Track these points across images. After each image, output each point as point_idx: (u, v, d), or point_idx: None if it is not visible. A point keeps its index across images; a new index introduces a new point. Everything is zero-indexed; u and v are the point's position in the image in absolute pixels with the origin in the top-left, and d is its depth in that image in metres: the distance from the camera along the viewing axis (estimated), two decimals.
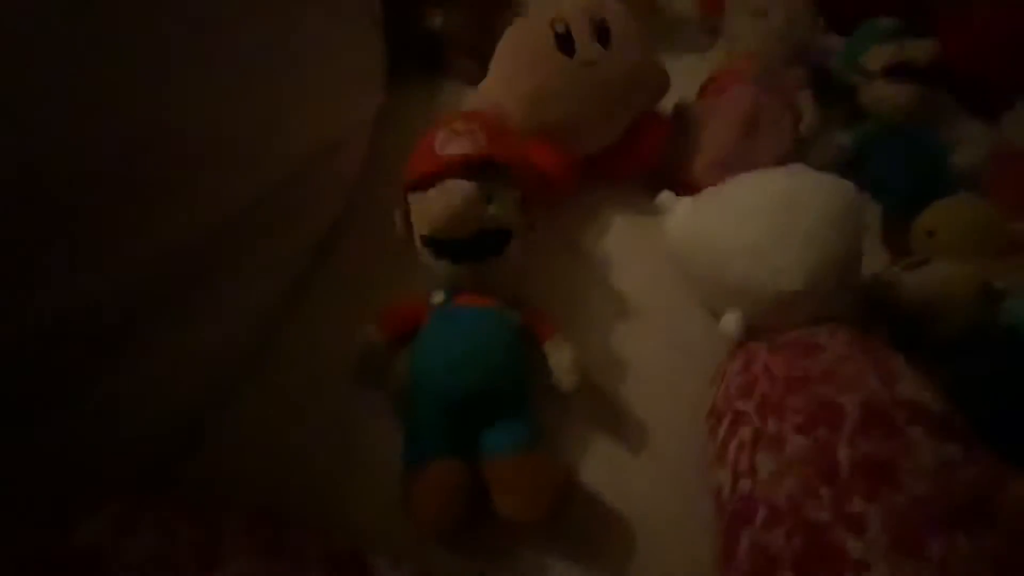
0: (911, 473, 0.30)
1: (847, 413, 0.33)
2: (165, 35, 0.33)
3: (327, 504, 0.38)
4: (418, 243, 0.41)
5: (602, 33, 0.48)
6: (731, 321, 0.44)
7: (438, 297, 0.41)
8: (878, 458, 0.31)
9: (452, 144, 0.40)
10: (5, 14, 0.26)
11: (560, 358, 0.40)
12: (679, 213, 0.50)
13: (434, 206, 0.37)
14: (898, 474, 0.30)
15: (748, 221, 0.43)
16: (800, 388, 0.36)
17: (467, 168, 0.39)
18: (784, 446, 0.34)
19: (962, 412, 0.35)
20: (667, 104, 0.58)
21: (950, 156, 0.58)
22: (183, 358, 0.38)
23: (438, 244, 0.40)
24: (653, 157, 0.54)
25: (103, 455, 0.34)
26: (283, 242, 0.45)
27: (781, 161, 0.51)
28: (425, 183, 0.40)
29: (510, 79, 0.49)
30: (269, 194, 0.42)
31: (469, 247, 0.39)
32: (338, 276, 0.49)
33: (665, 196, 0.51)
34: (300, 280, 0.47)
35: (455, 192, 0.37)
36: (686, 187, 0.52)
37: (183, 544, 0.22)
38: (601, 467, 0.42)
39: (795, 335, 0.41)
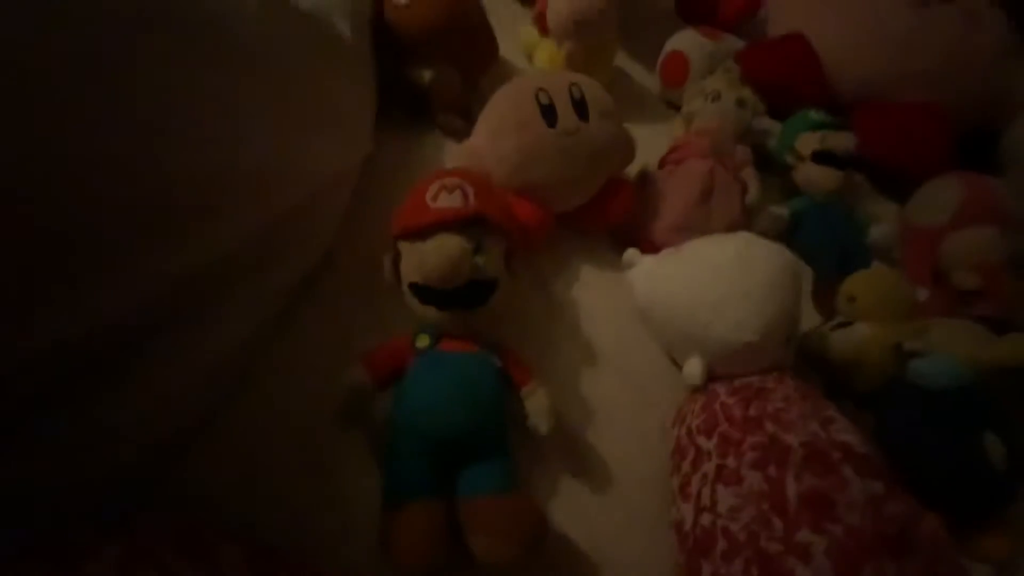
0: (846, 506, 0.34)
1: (793, 451, 0.38)
2: (166, 84, 0.34)
3: (304, 541, 0.38)
4: (406, 289, 0.43)
5: (581, 107, 0.54)
6: (694, 368, 0.48)
7: (423, 341, 0.42)
8: (820, 492, 0.35)
9: (444, 198, 0.43)
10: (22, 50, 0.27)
11: (537, 403, 0.42)
12: (643, 269, 0.55)
13: (428, 258, 0.40)
14: (836, 507, 0.34)
15: (709, 280, 0.48)
16: (755, 427, 0.40)
17: (458, 222, 0.42)
18: (742, 481, 0.38)
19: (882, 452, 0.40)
20: (632, 169, 0.64)
21: (866, 230, 0.67)
22: (166, 388, 0.37)
23: (426, 292, 0.42)
24: (620, 216, 0.59)
25: (78, 482, 0.33)
26: (270, 279, 0.45)
27: (731, 227, 0.58)
28: (418, 233, 0.42)
29: (496, 141, 0.53)
30: (262, 232, 0.43)
31: (456, 296, 0.41)
32: (321, 313, 0.49)
33: (630, 253, 0.57)
34: (284, 315, 0.48)
35: (450, 246, 0.39)
36: (647, 245, 0.58)
37: None
38: (570, 507, 0.44)
39: (748, 380, 0.46)
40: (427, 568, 0.35)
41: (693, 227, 0.57)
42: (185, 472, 0.39)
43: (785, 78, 0.78)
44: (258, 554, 0.28)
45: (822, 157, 0.67)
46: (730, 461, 0.40)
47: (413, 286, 0.42)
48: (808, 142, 0.68)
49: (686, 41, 0.76)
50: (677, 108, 0.75)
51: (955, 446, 0.46)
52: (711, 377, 0.49)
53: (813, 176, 0.67)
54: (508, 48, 0.77)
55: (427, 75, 0.63)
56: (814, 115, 0.70)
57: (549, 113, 0.53)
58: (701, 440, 0.43)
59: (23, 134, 0.27)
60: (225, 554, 0.26)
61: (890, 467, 0.39)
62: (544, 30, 0.71)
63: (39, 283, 0.29)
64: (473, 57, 0.67)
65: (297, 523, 0.39)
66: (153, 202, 0.34)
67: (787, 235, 0.66)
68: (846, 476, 0.36)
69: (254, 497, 0.39)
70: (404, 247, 0.43)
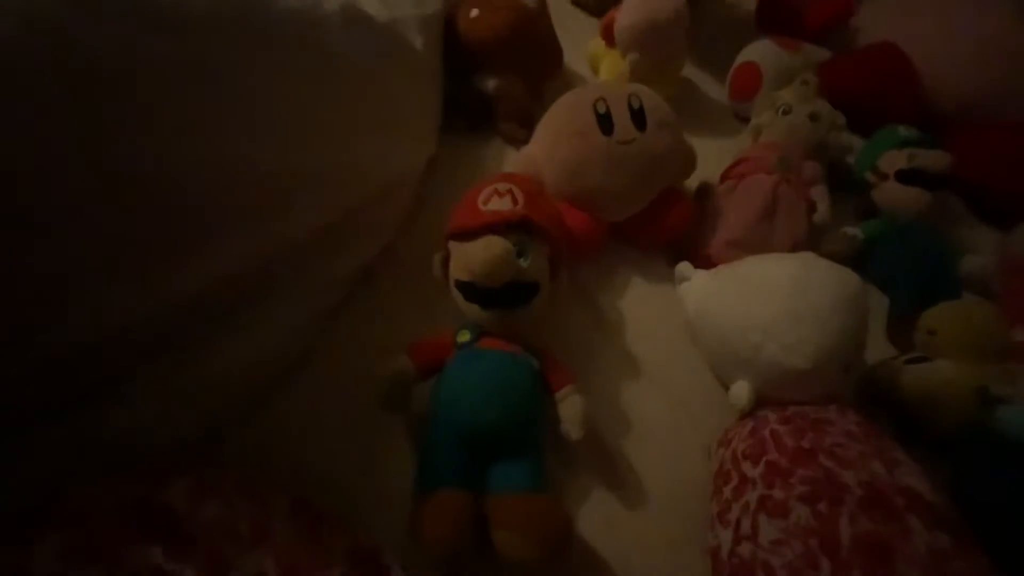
0: (906, 558, 0.32)
1: (850, 490, 0.35)
2: (255, 87, 0.38)
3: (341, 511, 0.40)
4: (453, 286, 0.45)
5: (638, 117, 0.54)
6: (741, 391, 0.46)
7: (464, 336, 0.44)
8: (877, 538, 0.33)
9: (494, 202, 0.45)
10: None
11: (571, 409, 0.42)
12: (695, 284, 0.53)
13: (473, 257, 0.41)
14: (894, 557, 0.32)
15: (763, 299, 0.46)
16: (807, 460, 0.38)
17: (505, 225, 0.43)
18: (788, 514, 0.35)
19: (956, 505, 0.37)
20: (693, 180, 0.63)
21: (958, 259, 0.61)
22: (225, 366, 0.41)
23: (471, 290, 0.43)
24: (675, 230, 0.58)
25: (135, 448, 0.36)
26: (331, 270, 0.49)
27: (794, 247, 0.55)
28: (466, 234, 0.44)
29: (551, 148, 0.55)
30: (329, 224, 0.47)
31: (499, 296, 0.43)
32: (376, 302, 0.52)
33: (683, 266, 0.55)
34: (340, 303, 0.51)
35: (493, 247, 0.41)
36: (702, 260, 0.56)
37: (242, 517, 0.26)
38: (597, 517, 0.44)
39: (805, 409, 0.43)
40: (448, 554, 0.36)
41: (753, 244, 0.55)
42: (241, 438, 0.42)
43: (873, 91, 0.73)
44: (302, 509, 0.30)
45: (908, 177, 0.62)
46: (777, 492, 0.37)
47: (459, 283, 0.44)
48: (894, 160, 0.63)
49: (760, 52, 0.73)
50: (747, 122, 0.72)
51: None
52: (761, 402, 0.46)
53: (896, 196, 0.62)
54: (575, 59, 0.78)
55: (492, 83, 0.65)
56: (903, 131, 0.65)
57: (605, 122, 0.53)
58: (746, 467, 0.41)
59: (135, 130, 0.32)
60: (274, 501, 0.29)
61: (965, 522, 0.36)
62: (610, 42, 0.71)
63: (142, 254, 0.34)
64: (537, 67, 0.69)
65: (337, 494, 0.41)
66: (237, 193, 0.39)
67: (862, 259, 0.61)
68: (910, 525, 0.33)
69: (300, 466, 0.42)
70: (454, 246, 0.45)
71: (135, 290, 0.34)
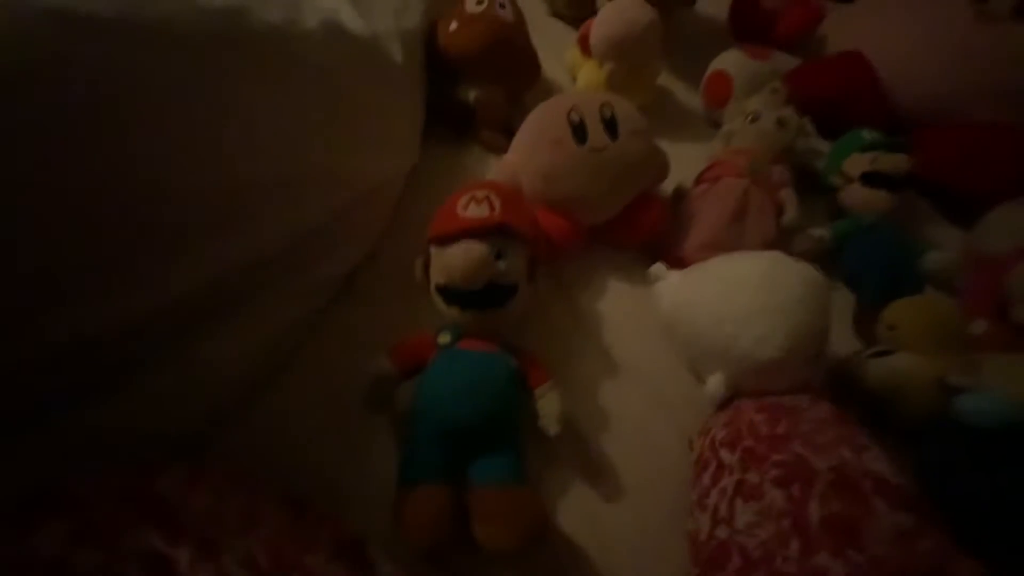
0: (872, 536, 0.33)
1: (820, 474, 0.37)
2: (234, 99, 0.40)
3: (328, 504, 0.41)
4: (433, 290, 0.47)
5: (611, 125, 0.56)
6: (715, 383, 0.48)
7: (445, 338, 0.46)
8: (844, 518, 0.34)
9: (472, 208, 0.47)
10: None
11: (548, 405, 0.44)
12: (669, 283, 0.55)
13: (451, 262, 0.43)
14: (860, 535, 0.33)
15: (733, 295, 0.48)
16: (782, 446, 0.40)
17: (483, 230, 0.45)
18: (762, 497, 0.37)
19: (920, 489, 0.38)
20: (668, 185, 0.65)
21: (921, 256, 0.63)
22: (210, 368, 0.43)
23: (450, 293, 0.45)
24: (650, 231, 0.60)
25: (124, 447, 0.38)
26: (314, 275, 0.51)
27: (764, 248, 0.57)
28: (446, 239, 0.46)
29: (529, 157, 0.57)
30: (310, 233, 0.48)
31: (478, 298, 0.45)
32: (359, 306, 0.54)
33: (657, 267, 0.57)
34: (324, 308, 0.52)
35: (471, 252, 0.43)
36: (676, 261, 0.58)
37: (231, 506, 0.27)
38: (577, 511, 0.45)
39: (781, 399, 0.45)
40: (429, 545, 0.38)
41: (724, 246, 0.57)
42: (228, 437, 0.44)
43: (838, 96, 0.76)
44: (287, 500, 0.32)
45: (873, 179, 0.64)
46: (751, 476, 0.39)
47: (439, 287, 0.46)
48: (858, 163, 0.66)
49: (730, 61, 0.76)
50: (720, 128, 0.75)
51: (1000, 490, 0.42)
52: (737, 393, 0.48)
53: (861, 198, 0.65)
54: (554, 68, 0.81)
55: (473, 94, 0.67)
56: (867, 135, 0.68)
57: (579, 131, 0.55)
58: (724, 453, 0.43)
59: (124, 144, 0.33)
60: (262, 491, 0.31)
61: (930, 505, 0.37)
62: (587, 51, 0.74)
63: (122, 259, 0.35)
64: (516, 77, 0.71)
65: (323, 489, 0.42)
66: (218, 200, 0.40)
67: (830, 258, 0.64)
68: (875, 506, 0.35)
69: (287, 462, 0.43)
70: (434, 251, 0.47)
71: (116, 295, 0.35)
